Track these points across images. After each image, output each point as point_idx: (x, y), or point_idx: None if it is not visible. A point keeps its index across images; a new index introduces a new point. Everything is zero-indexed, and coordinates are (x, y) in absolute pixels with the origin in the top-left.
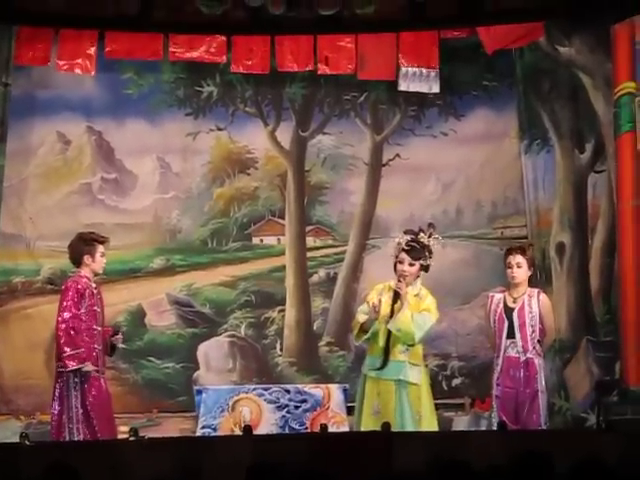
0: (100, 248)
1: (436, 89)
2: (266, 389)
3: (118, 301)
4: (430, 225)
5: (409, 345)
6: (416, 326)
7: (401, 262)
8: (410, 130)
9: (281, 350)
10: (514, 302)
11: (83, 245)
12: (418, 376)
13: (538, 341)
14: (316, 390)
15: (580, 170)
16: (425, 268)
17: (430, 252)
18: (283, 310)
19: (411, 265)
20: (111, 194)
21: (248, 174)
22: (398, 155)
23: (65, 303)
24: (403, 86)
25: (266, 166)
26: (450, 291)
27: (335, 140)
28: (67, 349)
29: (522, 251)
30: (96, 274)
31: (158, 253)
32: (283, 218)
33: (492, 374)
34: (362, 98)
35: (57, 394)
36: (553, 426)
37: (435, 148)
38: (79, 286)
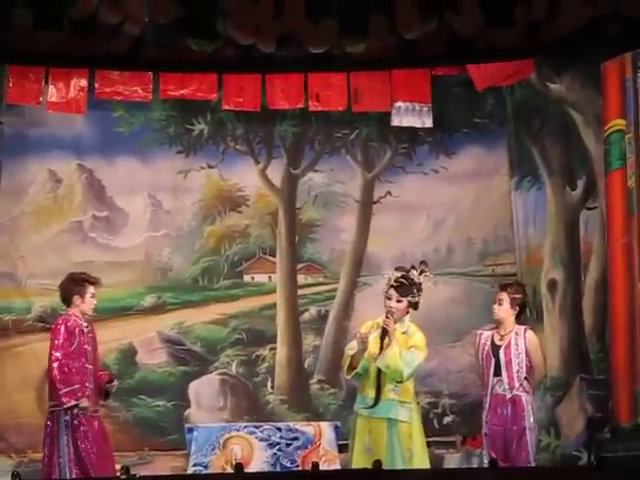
0: (90, 289)
1: (429, 124)
2: (257, 427)
3: (109, 339)
4: (422, 262)
5: (397, 382)
6: (404, 363)
7: (389, 298)
8: (401, 167)
9: (272, 388)
10: (501, 340)
11: (73, 285)
12: (408, 414)
13: (525, 378)
14: (307, 428)
15: (572, 207)
16: (414, 305)
17: (420, 289)
18: (274, 348)
19: (399, 302)
20: (102, 232)
21: (239, 212)
22: (389, 192)
23: (56, 342)
24: (396, 121)
25: (257, 204)
26: (441, 328)
27: (326, 178)
28: (62, 387)
29: (503, 288)
30: (85, 314)
31: (149, 291)
32: (274, 256)
33: (483, 411)
34: (353, 135)
35: (48, 433)
36: (541, 464)
37: (426, 185)
38: (68, 324)
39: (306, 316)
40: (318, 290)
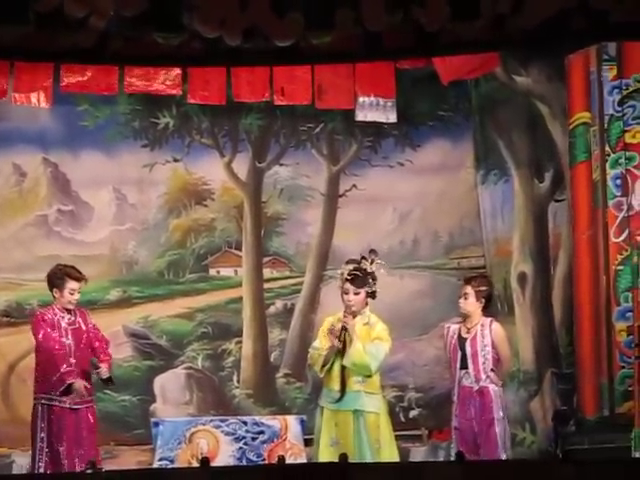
0: (71, 284)
1: (393, 119)
2: (223, 421)
3: None
4: (372, 251)
5: (366, 376)
6: (370, 357)
7: (346, 292)
8: (367, 160)
9: (238, 382)
10: (467, 332)
11: (54, 278)
12: (376, 404)
13: (492, 370)
14: (273, 422)
15: (540, 199)
16: (371, 295)
17: (374, 278)
18: (240, 342)
19: (356, 294)
20: (67, 226)
21: (205, 205)
22: (355, 186)
23: (41, 332)
24: (360, 116)
25: (223, 197)
26: (407, 322)
27: (292, 171)
28: (64, 365)
29: (468, 281)
30: (66, 309)
31: (114, 285)
32: (240, 249)
33: (450, 405)
34: (318, 129)
35: (39, 426)
36: (516, 458)
37: (392, 178)
38: (45, 317)
39: (272, 310)
40: (284, 284)
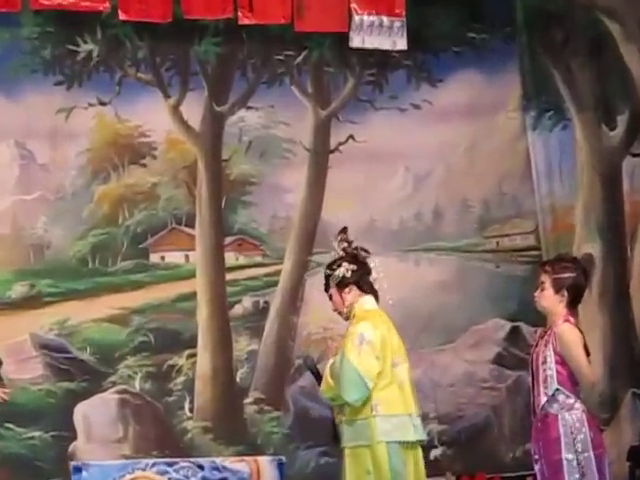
0: None
1: (403, 45)
2: (171, 464)
3: None
4: (342, 231)
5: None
6: (333, 378)
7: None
8: (368, 102)
9: (191, 411)
10: (541, 338)
11: None
12: (364, 433)
13: (557, 389)
14: (240, 465)
15: (611, 153)
16: (340, 282)
17: (340, 260)
18: (194, 355)
19: (330, 297)
20: None
21: (143, 165)
22: (352, 137)
23: None
24: (357, 41)
25: (167, 154)
26: (426, 326)
27: (264, 117)
28: None
29: (543, 266)
30: None
31: (18, 277)
32: (193, 227)
33: (485, 440)
34: (300, 58)
35: None
36: None
37: (403, 127)
38: None
39: (238, 310)
40: (254, 274)
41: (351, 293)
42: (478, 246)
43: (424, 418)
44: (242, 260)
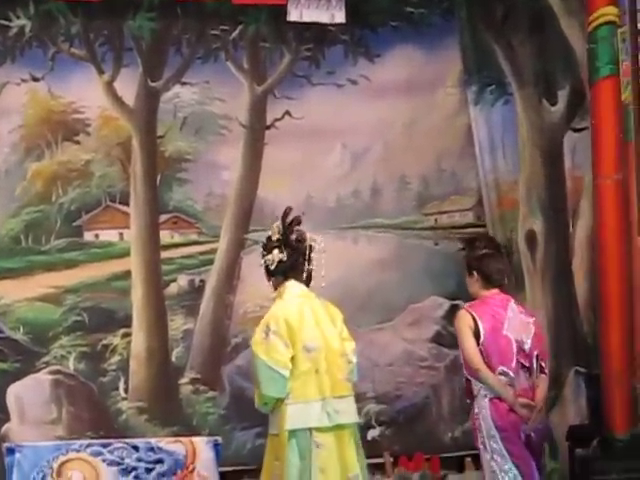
0: None
1: (341, 18)
2: (105, 446)
3: None
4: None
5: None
6: (255, 385)
7: None
8: (305, 77)
9: (126, 391)
10: None
11: None
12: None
13: (466, 378)
14: (176, 446)
15: (551, 128)
16: (267, 272)
17: (267, 249)
18: (129, 334)
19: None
20: None
21: (77, 142)
22: (288, 113)
23: None
24: (294, 14)
25: (101, 131)
26: (364, 304)
27: (199, 93)
28: None
29: (463, 249)
30: None
31: None
32: (127, 204)
33: (423, 421)
34: (236, 33)
35: None
36: None
37: (340, 102)
38: None
39: (173, 289)
40: (190, 252)
41: (276, 280)
42: (417, 223)
43: (361, 398)
44: (177, 238)
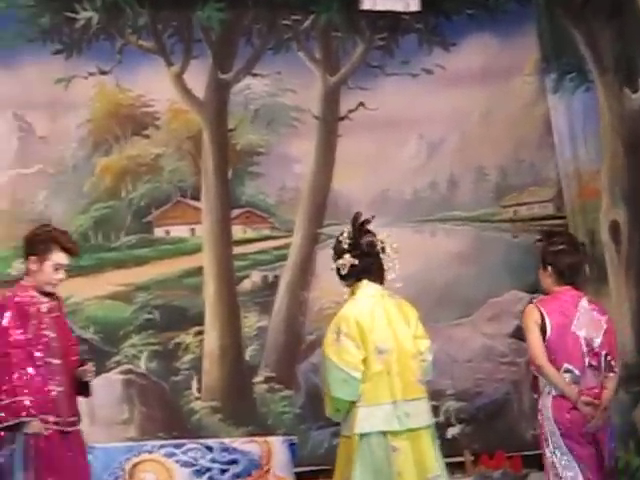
0: (57, 256)
1: (416, 6)
2: (178, 446)
3: None
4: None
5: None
6: (325, 387)
7: None
8: (379, 68)
9: (199, 391)
10: None
11: (35, 242)
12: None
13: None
14: (251, 446)
15: (633, 116)
16: (339, 276)
17: (338, 251)
18: (201, 333)
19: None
20: None
21: (146, 136)
22: (362, 104)
23: (6, 333)
24: (367, 3)
25: (171, 124)
26: (441, 299)
27: (270, 84)
28: (21, 395)
29: (535, 243)
30: (40, 289)
31: (18, 254)
32: (198, 199)
33: (505, 418)
34: (307, 23)
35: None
36: None
37: (415, 92)
38: (18, 300)
39: (246, 285)
40: (263, 247)
41: (349, 282)
42: (495, 216)
43: (440, 395)
44: (250, 233)
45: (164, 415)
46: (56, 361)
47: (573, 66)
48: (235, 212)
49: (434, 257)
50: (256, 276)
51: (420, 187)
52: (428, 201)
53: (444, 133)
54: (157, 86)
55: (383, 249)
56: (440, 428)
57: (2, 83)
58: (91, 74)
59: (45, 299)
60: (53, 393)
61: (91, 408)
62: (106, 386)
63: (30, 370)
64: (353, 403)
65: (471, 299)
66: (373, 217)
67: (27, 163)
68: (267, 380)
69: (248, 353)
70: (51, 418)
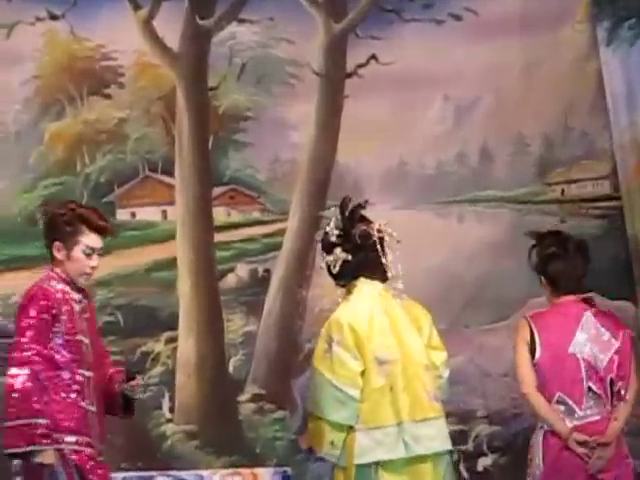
0: (88, 238)
1: None
2: None
3: None
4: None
5: None
6: (314, 407)
7: None
8: (394, 12)
9: (171, 411)
10: None
11: (58, 224)
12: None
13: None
14: (235, 479)
15: None
16: (331, 275)
17: (328, 245)
18: (174, 339)
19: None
20: None
21: (107, 96)
22: (374, 57)
23: (27, 331)
24: None
25: (138, 82)
26: (472, 298)
27: (261, 33)
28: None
29: None
30: (72, 283)
31: None
32: (172, 175)
33: None
34: None
35: None
36: None
37: (440, 43)
38: (45, 301)
39: (230, 281)
40: (251, 233)
41: (343, 282)
42: (538, 195)
43: (469, 418)
44: (235, 217)
45: (128, 441)
46: (88, 373)
47: (632, 11)
48: (217, 190)
49: (462, 247)
50: (242, 270)
51: (445, 160)
52: (455, 177)
53: (476, 93)
54: (121, 34)
55: (381, 240)
56: (469, 458)
57: None
58: (39, 19)
59: (77, 296)
60: (84, 412)
61: None
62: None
63: (58, 385)
64: (351, 428)
65: (508, 299)
66: (367, 202)
67: None
68: (255, 398)
69: (232, 364)
70: (80, 439)
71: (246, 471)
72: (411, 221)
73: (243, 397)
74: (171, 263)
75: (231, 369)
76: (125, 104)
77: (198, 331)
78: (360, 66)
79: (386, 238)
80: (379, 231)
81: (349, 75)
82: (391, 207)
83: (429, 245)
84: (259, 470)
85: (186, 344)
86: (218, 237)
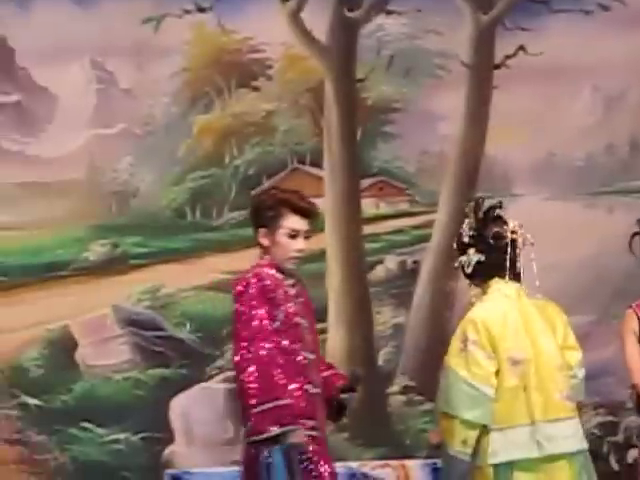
0: (291, 220)
1: None
2: None
3: (27, 320)
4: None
5: None
6: (444, 404)
7: None
8: (543, 3)
9: None
10: None
11: (262, 210)
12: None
13: None
14: (384, 472)
15: None
16: (465, 275)
17: (462, 245)
18: (323, 331)
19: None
20: (10, 130)
21: (255, 89)
22: (522, 48)
23: (254, 323)
24: None
25: (287, 74)
26: (620, 291)
27: (409, 24)
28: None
29: None
30: (282, 268)
31: (96, 235)
32: (320, 166)
33: None
34: None
35: None
36: None
37: (589, 33)
38: (265, 283)
39: (379, 273)
40: (400, 225)
41: (477, 282)
42: None
43: (618, 409)
44: (384, 209)
45: None
46: (311, 356)
47: None
48: (365, 182)
49: (612, 239)
50: (391, 262)
51: (595, 151)
52: (604, 168)
53: (625, 84)
54: (269, 27)
55: (514, 242)
56: (618, 450)
57: (78, 24)
58: (187, 12)
59: (290, 280)
60: (311, 395)
61: (187, 425)
62: (206, 398)
63: (287, 367)
64: (484, 427)
65: None
66: (501, 203)
67: (108, 122)
68: (405, 390)
69: (381, 357)
70: (310, 423)
71: (395, 463)
72: (560, 212)
73: (392, 389)
74: (320, 256)
75: (380, 361)
76: (273, 96)
77: (347, 323)
78: (508, 57)
79: (519, 241)
80: (513, 232)
81: (497, 66)
82: (540, 198)
83: (578, 236)
84: (408, 462)
85: (335, 336)
86: (367, 229)
